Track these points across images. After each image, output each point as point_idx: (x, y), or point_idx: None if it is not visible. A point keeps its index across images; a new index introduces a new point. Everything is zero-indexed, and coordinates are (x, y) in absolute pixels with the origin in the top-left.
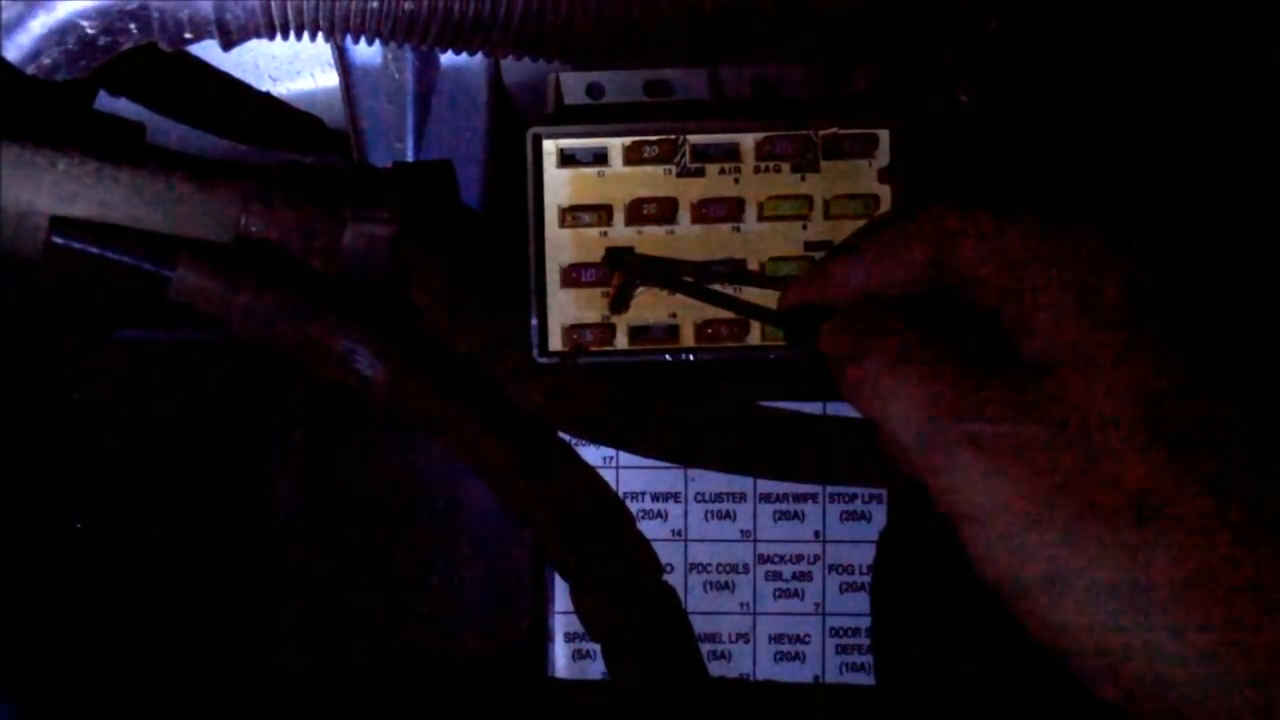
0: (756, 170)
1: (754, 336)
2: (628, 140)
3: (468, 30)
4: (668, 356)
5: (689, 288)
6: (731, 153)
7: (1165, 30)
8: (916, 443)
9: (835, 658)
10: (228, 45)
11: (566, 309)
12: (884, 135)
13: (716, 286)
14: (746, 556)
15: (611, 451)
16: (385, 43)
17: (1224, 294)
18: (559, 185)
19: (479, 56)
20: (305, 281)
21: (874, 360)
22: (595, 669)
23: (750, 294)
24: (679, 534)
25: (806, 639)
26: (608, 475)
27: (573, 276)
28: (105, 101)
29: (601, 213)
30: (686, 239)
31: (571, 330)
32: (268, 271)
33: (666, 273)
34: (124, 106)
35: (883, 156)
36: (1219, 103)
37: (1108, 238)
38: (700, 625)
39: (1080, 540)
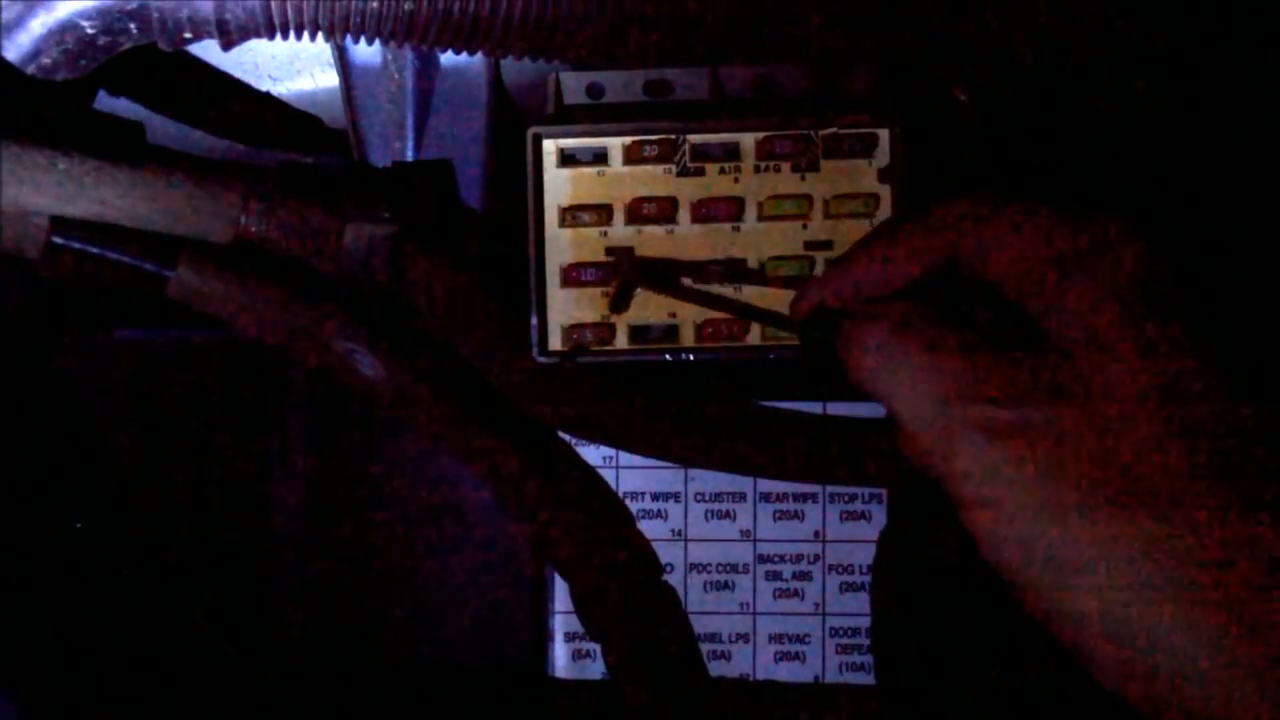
0: (756, 170)
1: (754, 336)
2: (628, 140)
3: (468, 30)
4: (668, 356)
5: (695, 295)
6: (731, 152)
7: (1166, 30)
8: (929, 427)
9: (835, 658)
10: (228, 45)
11: (566, 309)
12: (884, 135)
13: (720, 289)
14: (746, 556)
15: (611, 451)
16: (385, 43)
17: (1231, 290)
18: (559, 185)
19: (479, 56)
20: (305, 281)
21: (888, 344)
22: (595, 669)
23: (752, 293)
24: (679, 534)
25: (806, 639)
26: (608, 475)
27: (573, 276)
28: (105, 101)
29: (601, 212)
30: (686, 239)
31: (571, 330)
32: (268, 271)
33: (670, 278)
34: (124, 106)
35: (883, 156)
36: (1220, 102)
37: (1130, 231)
38: (700, 625)
39: (1095, 529)
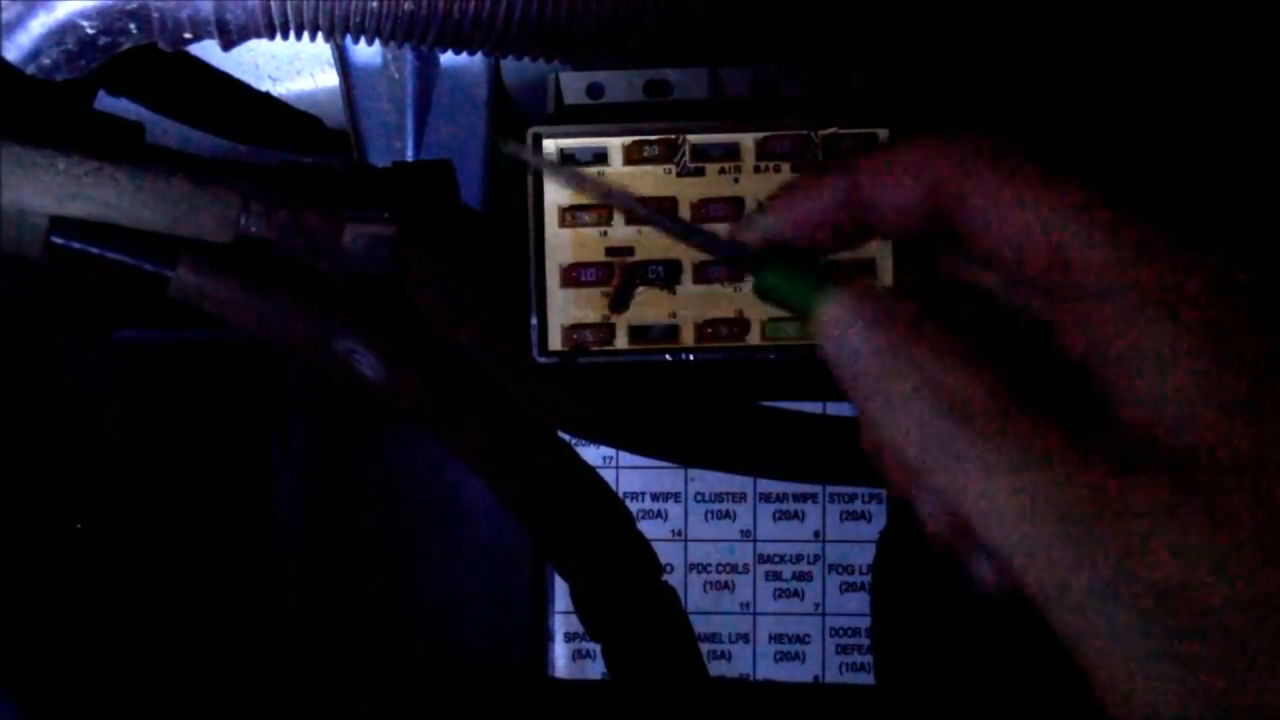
0: (756, 170)
1: (754, 336)
2: (628, 140)
3: (468, 30)
4: (668, 356)
5: (650, 219)
6: (731, 153)
7: (1167, 31)
8: (935, 447)
9: (835, 658)
10: (228, 45)
11: (566, 309)
12: (884, 135)
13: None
14: (746, 556)
15: (611, 451)
16: (385, 43)
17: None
18: (559, 185)
19: (479, 56)
20: (305, 281)
21: (892, 348)
22: (595, 669)
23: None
24: (679, 534)
25: (806, 639)
26: (608, 475)
27: (573, 276)
28: (105, 101)
29: (601, 212)
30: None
31: (571, 330)
32: (268, 271)
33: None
34: (124, 106)
35: None
36: (1221, 102)
37: (1172, 220)
38: (700, 625)
39: (1089, 542)
